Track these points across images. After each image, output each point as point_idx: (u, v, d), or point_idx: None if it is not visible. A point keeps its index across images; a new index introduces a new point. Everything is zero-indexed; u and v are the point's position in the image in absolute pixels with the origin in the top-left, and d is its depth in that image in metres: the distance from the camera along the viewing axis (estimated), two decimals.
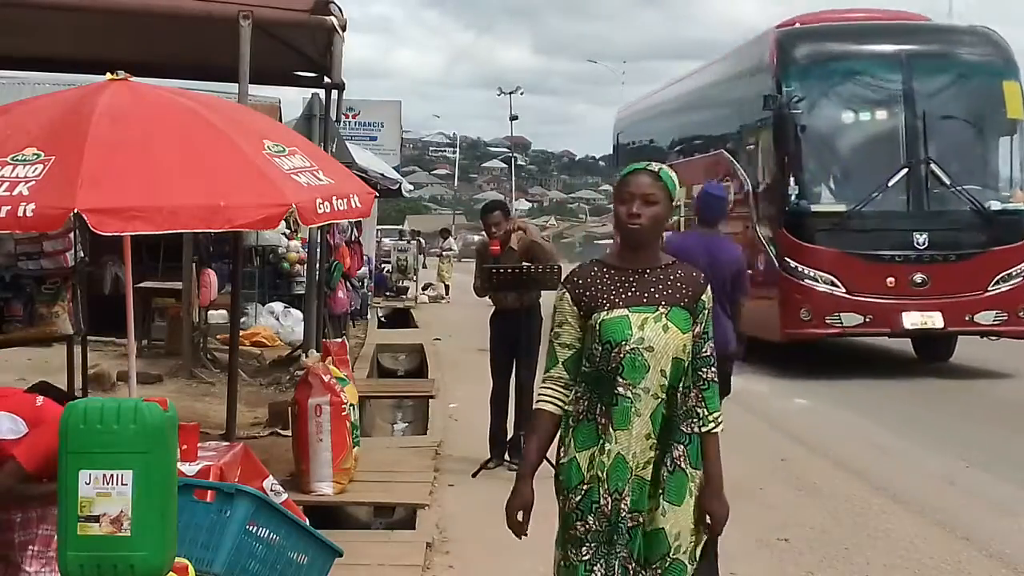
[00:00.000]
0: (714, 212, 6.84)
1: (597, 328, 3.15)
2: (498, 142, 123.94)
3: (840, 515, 6.80)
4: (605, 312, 3.16)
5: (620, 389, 3.12)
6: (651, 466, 3.15)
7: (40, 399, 4.20)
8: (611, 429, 3.11)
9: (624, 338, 3.12)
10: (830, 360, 14.29)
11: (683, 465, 3.17)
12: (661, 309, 3.16)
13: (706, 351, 3.24)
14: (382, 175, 14.82)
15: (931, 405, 9.20)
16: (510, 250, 7.80)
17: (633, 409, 3.11)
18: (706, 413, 3.22)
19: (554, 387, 3.23)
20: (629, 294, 3.19)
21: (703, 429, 3.21)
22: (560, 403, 3.22)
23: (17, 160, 4.38)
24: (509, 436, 7.80)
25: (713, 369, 3.25)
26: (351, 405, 6.74)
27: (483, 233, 8.24)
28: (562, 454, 3.21)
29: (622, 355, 3.12)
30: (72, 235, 7.41)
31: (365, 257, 17.26)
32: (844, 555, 6.00)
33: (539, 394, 3.25)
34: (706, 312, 3.24)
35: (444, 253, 27.95)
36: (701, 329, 3.22)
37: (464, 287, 23.74)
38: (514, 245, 7.83)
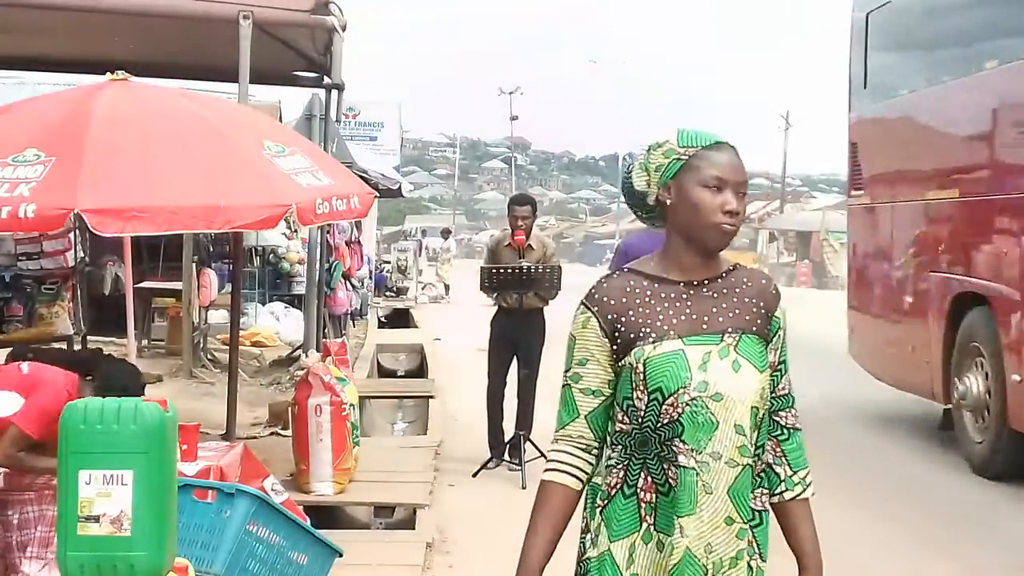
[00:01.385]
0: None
1: (640, 369, 2.19)
2: (498, 142, 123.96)
3: (841, 515, 6.79)
4: (650, 345, 2.20)
5: (681, 457, 2.16)
6: (740, 566, 2.20)
7: (25, 366, 4.20)
8: (673, 515, 2.17)
9: (680, 384, 2.17)
10: (830, 360, 14.28)
11: (749, 558, 2.22)
12: (727, 339, 2.22)
13: (783, 387, 2.32)
14: (382, 175, 14.78)
15: (931, 404, 9.19)
16: (529, 248, 7.82)
17: (700, 484, 2.16)
18: (788, 472, 2.30)
19: (572, 450, 2.26)
20: (682, 318, 2.23)
21: (787, 495, 2.30)
22: (579, 473, 2.26)
23: (18, 161, 4.39)
24: (508, 436, 7.80)
25: (795, 412, 2.35)
26: (351, 405, 6.74)
27: (481, 234, 8.24)
28: (588, 547, 2.26)
29: (679, 409, 2.17)
30: (72, 235, 7.43)
31: (365, 257, 17.26)
32: (845, 555, 6.00)
33: (550, 459, 2.29)
34: (781, 334, 2.32)
35: (442, 254, 27.94)
36: (776, 357, 2.30)
37: (464, 287, 23.74)
38: (534, 244, 7.86)
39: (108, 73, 5.10)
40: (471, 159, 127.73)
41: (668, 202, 2.27)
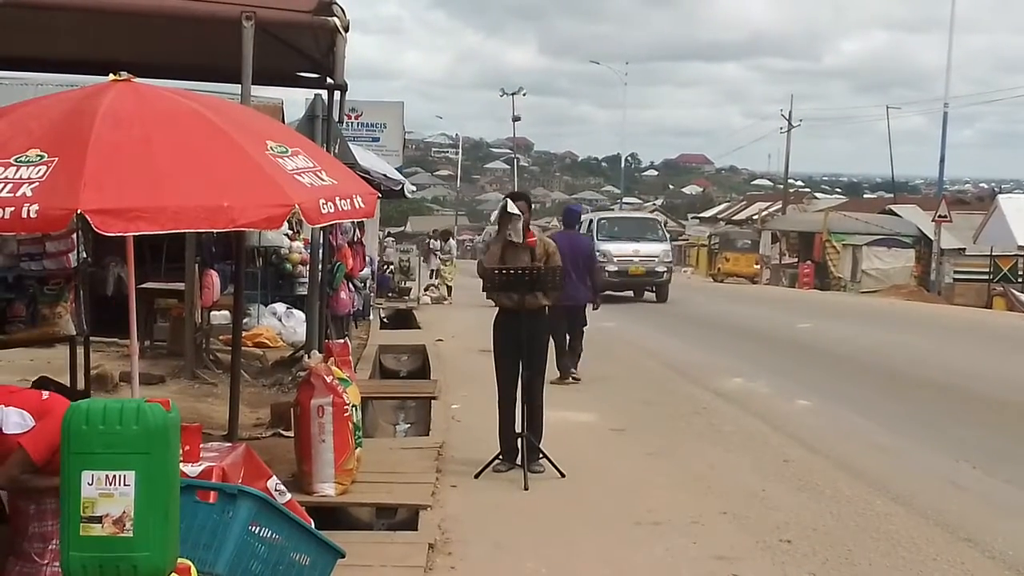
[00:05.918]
0: (573, 220, 13.10)
1: None
2: (500, 143, 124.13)
3: (842, 516, 6.79)
4: None
5: None
6: None
7: (46, 394, 4.24)
8: None
9: None
10: (832, 362, 14.28)
11: None
12: None
13: None
14: (385, 176, 14.81)
15: (932, 406, 9.19)
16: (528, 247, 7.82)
17: None
18: None
19: None
20: None
21: None
22: None
23: (21, 161, 4.39)
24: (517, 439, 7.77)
25: None
26: (353, 406, 6.74)
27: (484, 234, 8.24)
28: None
29: None
30: (75, 236, 7.42)
31: (367, 258, 17.26)
32: (846, 556, 6.00)
33: None
34: None
35: (443, 255, 27.92)
36: None
37: (466, 288, 23.73)
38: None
39: (111, 73, 5.10)
40: (473, 160, 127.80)
41: None
